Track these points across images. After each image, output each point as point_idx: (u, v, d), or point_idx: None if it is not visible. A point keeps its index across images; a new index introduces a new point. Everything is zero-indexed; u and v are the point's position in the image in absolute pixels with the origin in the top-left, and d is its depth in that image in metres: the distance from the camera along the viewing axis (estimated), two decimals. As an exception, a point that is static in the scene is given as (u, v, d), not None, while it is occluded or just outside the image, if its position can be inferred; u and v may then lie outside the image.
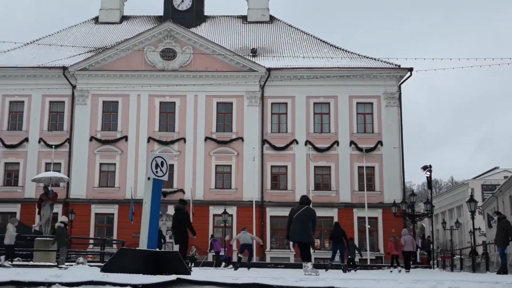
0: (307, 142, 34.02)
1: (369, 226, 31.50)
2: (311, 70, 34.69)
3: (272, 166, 34.26)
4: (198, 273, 9.02)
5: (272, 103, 35.04)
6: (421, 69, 28.44)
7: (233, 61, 35.04)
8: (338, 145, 34.16)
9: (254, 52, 36.97)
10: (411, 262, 21.88)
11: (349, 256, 21.83)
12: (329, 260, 19.62)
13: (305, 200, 12.51)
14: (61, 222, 17.09)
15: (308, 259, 12.13)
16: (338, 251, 19.67)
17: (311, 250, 15.12)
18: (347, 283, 6.57)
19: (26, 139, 34.86)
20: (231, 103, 34.88)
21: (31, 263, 17.82)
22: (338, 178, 33.80)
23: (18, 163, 34.73)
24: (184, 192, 32.90)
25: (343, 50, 37.64)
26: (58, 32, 40.72)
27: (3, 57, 37.13)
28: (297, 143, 34.21)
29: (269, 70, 34.54)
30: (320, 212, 32.23)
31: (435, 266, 29.30)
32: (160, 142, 34.32)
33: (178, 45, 35.64)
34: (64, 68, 34.98)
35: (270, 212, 33.46)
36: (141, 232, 8.30)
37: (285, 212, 32.53)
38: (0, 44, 38.99)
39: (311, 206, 12.60)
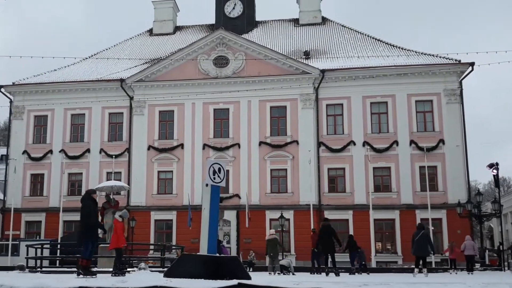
0: (365, 143, 33.15)
1: (432, 228, 30.13)
2: (367, 70, 33.88)
3: (329, 169, 33.59)
4: (257, 278, 9.00)
5: (327, 105, 34.43)
6: (483, 63, 26.94)
7: (286, 65, 34.76)
8: (397, 145, 33.07)
9: (307, 55, 36.58)
10: (472, 265, 23.73)
11: (363, 262, 25.89)
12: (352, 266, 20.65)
13: (421, 226, 17.74)
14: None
15: (424, 266, 17.17)
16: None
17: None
18: (413, 287, 6.18)
19: (88, 150, 35.99)
20: (285, 106, 34.58)
21: (95, 269, 18.13)
22: (399, 179, 32.68)
23: (81, 173, 35.90)
24: (240, 197, 32.86)
25: (399, 47, 36.58)
26: (114, 45, 41.97)
27: (64, 72, 38.67)
28: (354, 144, 33.40)
29: (322, 71, 34.01)
30: (381, 214, 31.68)
31: (506, 268, 27.60)
32: (215, 148, 34.48)
33: (231, 52, 35.80)
34: (122, 80, 35.90)
35: (328, 215, 32.37)
36: (201, 238, 8.37)
37: (344, 215, 32.32)
38: (61, 60, 40.67)
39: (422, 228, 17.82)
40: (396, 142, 33.10)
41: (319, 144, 33.73)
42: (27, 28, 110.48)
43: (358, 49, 36.61)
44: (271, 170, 33.87)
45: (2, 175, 44.93)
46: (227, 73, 35.49)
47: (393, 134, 33.32)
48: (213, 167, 8.65)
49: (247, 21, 40.80)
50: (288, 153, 33.85)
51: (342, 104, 34.28)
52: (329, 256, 16.84)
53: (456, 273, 23.12)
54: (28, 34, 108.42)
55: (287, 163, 33.77)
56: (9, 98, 37.79)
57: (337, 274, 16.21)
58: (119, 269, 14.07)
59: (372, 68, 33.84)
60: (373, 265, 29.15)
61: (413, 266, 18.92)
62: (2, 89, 37.49)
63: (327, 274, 16.70)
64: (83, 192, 34.81)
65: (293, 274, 18.67)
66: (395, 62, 34.15)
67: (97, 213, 13.21)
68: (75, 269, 16.45)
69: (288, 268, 19.27)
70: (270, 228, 31.88)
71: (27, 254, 22.06)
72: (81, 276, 11.40)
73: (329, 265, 17.05)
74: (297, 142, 33.77)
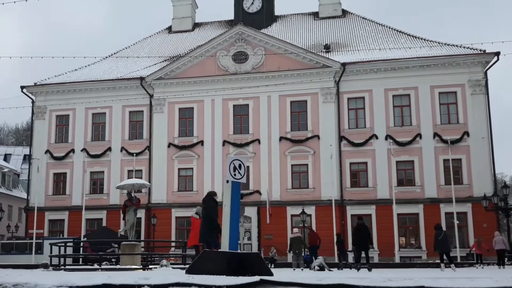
0: (388, 137, 32.54)
1: (457, 222, 29.43)
2: (389, 62, 33.23)
3: (351, 163, 33.08)
4: (279, 274, 8.89)
5: (348, 98, 33.91)
6: (509, 53, 26.17)
7: (306, 59, 34.34)
8: (420, 138, 32.40)
9: (327, 48, 36.11)
10: (505, 259, 23.63)
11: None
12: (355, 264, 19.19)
13: (439, 227, 19.32)
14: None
15: (451, 262, 18.63)
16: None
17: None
18: (437, 282, 6.10)
19: (109, 149, 36.14)
20: (305, 101, 34.17)
21: (118, 266, 18.12)
22: (423, 172, 32.01)
23: (103, 172, 36.08)
24: (260, 193, 32.59)
25: (421, 39, 35.85)
26: (134, 44, 42.06)
27: (84, 72, 38.90)
28: (376, 138, 32.82)
29: (343, 65, 33.51)
30: (405, 209, 31.07)
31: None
32: (235, 144, 34.27)
33: (250, 47, 35.52)
34: (142, 79, 35.93)
35: (350, 210, 32.24)
36: (222, 234, 8.40)
37: (367, 210, 31.80)
38: (81, 59, 40.86)
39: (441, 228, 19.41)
40: (419, 135, 32.43)
41: (341, 138, 33.24)
42: (48, 30, 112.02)
43: (379, 41, 36.01)
44: (292, 165, 33.51)
45: (25, 175, 45.60)
46: (247, 68, 35.23)
47: (416, 127, 32.65)
48: (233, 163, 8.62)
49: (266, 16, 40.47)
50: (309, 148, 33.44)
51: (363, 98, 33.73)
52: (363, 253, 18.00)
53: (482, 268, 22.80)
54: (49, 35, 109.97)
55: (308, 158, 33.36)
56: (31, 98, 38.16)
57: (369, 270, 16.96)
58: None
59: (394, 60, 33.18)
60: (397, 260, 28.60)
61: (438, 261, 20.17)
62: (24, 90, 37.86)
63: (358, 270, 17.30)
64: (105, 190, 35.40)
65: (330, 270, 18.50)
66: (417, 54, 33.47)
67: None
68: (98, 267, 16.58)
69: (323, 267, 19.14)
70: (292, 224, 31.76)
71: (51, 252, 22.29)
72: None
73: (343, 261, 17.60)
74: (318, 136, 33.34)
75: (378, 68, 33.32)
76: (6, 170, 50.43)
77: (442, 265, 18.44)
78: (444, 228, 20.30)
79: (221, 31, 38.90)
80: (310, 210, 31.95)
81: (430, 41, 35.42)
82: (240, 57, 35.53)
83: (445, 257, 18.80)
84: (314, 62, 34.22)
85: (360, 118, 33.72)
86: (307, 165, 33.38)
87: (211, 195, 13.25)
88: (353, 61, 33.88)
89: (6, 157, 58.56)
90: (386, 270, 19.64)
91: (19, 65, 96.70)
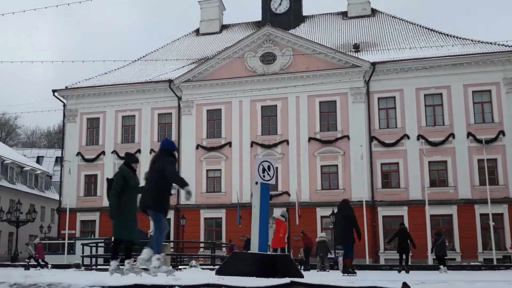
0: (419, 137, 31.85)
1: (493, 223, 28.56)
2: (420, 61, 32.52)
3: (382, 164, 32.50)
4: (311, 276, 8.90)
5: (378, 98, 33.36)
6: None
7: (335, 59, 33.94)
8: (453, 137, 31.61)
9: (356, 48, 35.64)
10: None
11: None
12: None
13: (439, 233, 21.42)
14: None
15: (445, 265, 19.91)
16: None
17: None
18: (474, 286, 6.01)
19: (139, 151, 36.27)
20: (334, 101, 33.75)
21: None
22: (456, 173, 31.20)
23: (132, 174, 36.25)
24: (289, 195, 32.30)
25: (453, 37, 35.05)
26: (162, 47, 42.35)
27: (114, 75, 39.32)
28: (408, 138, 32.16)
29: (373, 64, 33.00)
30: (438, 210, 30.33)
31: None
32: (263, 145, 34.07)
33: (278, 48, 35.32)
34: (170, 81, 36.10)
35: (382, 212, 31.66)
36: (251, 236, 8.35)
37: (398, 211, 31.15)
38: (111, 63, 41.38)
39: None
40: (452, 135, 31.65)
41: (371, 138, 32.71)
42: (81, 35, 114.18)
43: (410, 40, 35.38)
44: (321, 166, 33.12)
45: (57, 177, 46.41)
46: (275, 69, 35.03)
47: (449, 127, 31.87)
48: (262, 164, 8.49)
49: (294, 17, 40.22)
50: (339, 149, 33.00)
51: (394, 97, 33.13)
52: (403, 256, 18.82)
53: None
54: (82, 39, 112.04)
55: (338, 159, 32.92)
56: (62, 102, 38.74)
57: (407, 272, 17.57)
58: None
59: (425, 59, 32.48)
60: (430, 262, 27.89)
61: (472, 263, 22.38)
62: (56, 93, 38.48)
63: (399, 272, 18.02)
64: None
65: (354, 273, 18.37)
66: (449, 52, 32.72)
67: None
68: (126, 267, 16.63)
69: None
70: (322, 226, 31.49)
71: (83, 253, 22.45)
72: (345, 274, 13.17)
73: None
74: (348, 137, 32.89)
75: (409, 67, 32.68)
76: (38, 172, 51.47)
77: (441, 267, 19.66)
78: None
79: (248, 33, 38.83)
80: (341, 211, 31.44)
81: (462, 38, 34.61)
82: (268, 58, 35.36)
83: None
84: (343, 62, 33.79)
85: (391, 118, 33.12)
86: (337, 165, 32.95)
87: (347, 202, 14.53)
88: (383, 60, 33.35)
89: (39, 160, 59.87)
90: (421, 272, 19.33)
91: (52, 69, 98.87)
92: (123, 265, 8.21)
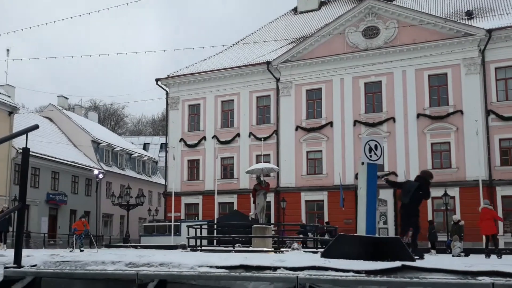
0: (545, 109, 28.39)
1: None
2: (544, 24, 28.93)
3: (500, 139, 29.39)
4: (421, 260, 8.67)
5: (496, 68, 30.19)
6: None
7: (445, 28, 31.20)
8: None
9: (469, 15, 32.56)
10: None
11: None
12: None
13: (431, 222, 24.23)
14: None
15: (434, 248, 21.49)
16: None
17: None
18: None
19: (238, 135, 36.18)
20: (445, 74, 31.08)
21: (250, 248, 17.89)
22: None
23: (232, 157, 36.24)
24: (397, 175, 30.16)
25: None
26: (260, 28, 41.78)
27: (213, 61, 39.41)
28: (531, 110, 28.82)
29: (489, 31, 29.90)
30: None
31: None
32: (367, 124, 32.28)
33: (381, 21, 33.26)
34: (268, 63, 35.41)
35: (501, 191, 28.64)
36: (358, 218, 8.10)
37: (521, 190, 27.92)
38: (210, 48, 41.54)
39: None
40: None
41: (488, 112, 29.70)
42: (184, 23, 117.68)
43: (531, 2, 31.64)
44: (432, 144, 30.67)
45: (163, 162, 47.80)
46: (378, 43, 33.01)
47: None
48: (368, 144, 8.22)
49: (397, -13, 37.69)
50: (451, 125, 30.35)
51: (514, 66, 29.80)
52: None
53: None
54: (185, 27, 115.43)
55: (450, 135, 30.30)
56: (165, 90, 39.57)
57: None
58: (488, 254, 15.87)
59: (550, 21, 28.83)
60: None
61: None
62: (159, 82, 39.36)
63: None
64: (235, 174, 35.59)
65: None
66: None
67: None
68: (231, 248, 16.42)
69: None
70: (433, 207, 29.38)
71: (188, 234, 22.72)
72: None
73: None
74: (461, 112, 30.13)
75: (532, 31, 29.18)
76: (145, 158, 53.56)
77: (433, 251, 22.09)
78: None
79: (348, 7, 37.06)
80: (454, 191, 28.99)
81: None
82: (371, 32, 33.40)
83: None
84: (454, 31, 30.96)
85: (511, 89, 29.81)
86: (449, 143, 30.34)
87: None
88: (501, 26, 30.14)
89: (145, 146, 62.45)
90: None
91: (156, 59, 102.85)
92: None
